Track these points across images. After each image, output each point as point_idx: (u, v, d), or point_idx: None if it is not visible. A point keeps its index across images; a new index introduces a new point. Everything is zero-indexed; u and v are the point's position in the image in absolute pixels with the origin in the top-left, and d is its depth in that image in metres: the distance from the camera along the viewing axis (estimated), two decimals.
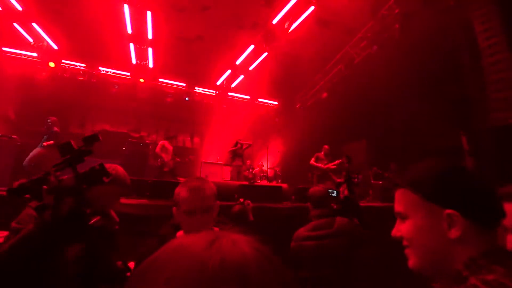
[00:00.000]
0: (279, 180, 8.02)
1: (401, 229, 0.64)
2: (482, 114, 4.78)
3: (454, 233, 0.56)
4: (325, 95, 9.34)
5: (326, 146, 6.78)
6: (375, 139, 7.69)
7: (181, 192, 1.13)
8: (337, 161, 6.50)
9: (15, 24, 7.00)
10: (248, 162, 8.45)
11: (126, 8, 6.29)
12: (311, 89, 9.96)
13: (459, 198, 0.57)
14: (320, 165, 6.57)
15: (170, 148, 6.56)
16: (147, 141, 8.30)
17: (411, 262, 0.62)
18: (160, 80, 9.85)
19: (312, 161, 6.72)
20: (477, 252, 0.55)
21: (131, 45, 7.75)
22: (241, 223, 2.38)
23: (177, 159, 6.67)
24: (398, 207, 0.64)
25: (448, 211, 0.56)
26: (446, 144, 5.32)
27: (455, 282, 0.54)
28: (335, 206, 2.18)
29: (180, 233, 1.20)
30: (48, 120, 5.36)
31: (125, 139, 7.94)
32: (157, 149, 6.48)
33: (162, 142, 6.61)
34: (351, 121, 8.08)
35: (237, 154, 6.96)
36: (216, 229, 1.15)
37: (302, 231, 1.93)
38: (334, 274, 1.78)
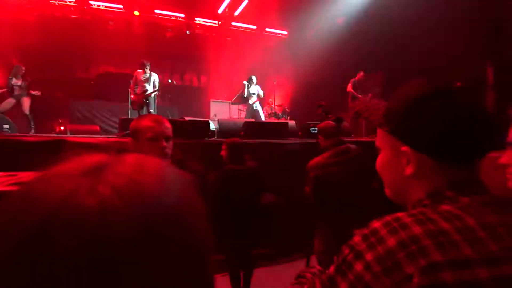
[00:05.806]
0: (288, 117, 7.92)
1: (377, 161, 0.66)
2: None
3: (408, 170, 0.55)
4: (340, 20, 8.35)
5: (361, 73, 6.29)
6: (393, 71, 7.12)
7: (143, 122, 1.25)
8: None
9: None
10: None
11: None
12: (324, 15, 8.87)
13: (416, 133, 0.54)
14: (360, 96, 6.01)
15: (140, 79, 5.67)
16: None
17: (385, 191, 0.65)
18: (156, 11, 9.02)
19: (349, 87, 6.16)
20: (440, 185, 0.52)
21: None
22: None
23: (147, 94, 5.66)
24: (376, 141, 0.65)
25: (403, 148, 0.55)
26: (468, 76, 4.81)
27: (412, 208, 0.54)
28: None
29: None
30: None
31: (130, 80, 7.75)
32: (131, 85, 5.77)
33: (135, 73, 5.76)
34: (367, 52, 7.37)
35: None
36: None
37: (322, 160, 2.06)
38: (360, 196, 1.96)
